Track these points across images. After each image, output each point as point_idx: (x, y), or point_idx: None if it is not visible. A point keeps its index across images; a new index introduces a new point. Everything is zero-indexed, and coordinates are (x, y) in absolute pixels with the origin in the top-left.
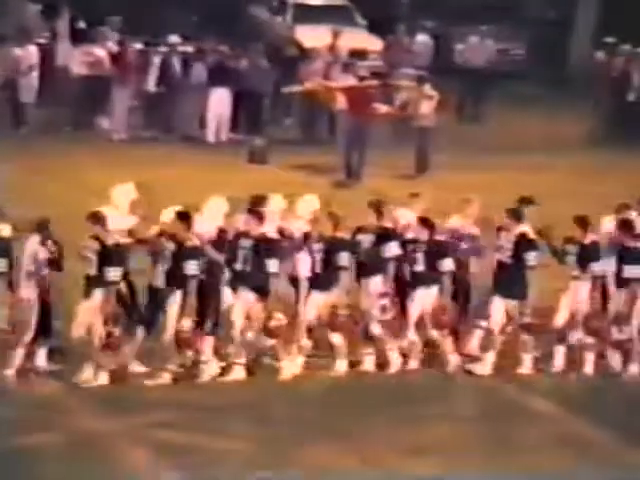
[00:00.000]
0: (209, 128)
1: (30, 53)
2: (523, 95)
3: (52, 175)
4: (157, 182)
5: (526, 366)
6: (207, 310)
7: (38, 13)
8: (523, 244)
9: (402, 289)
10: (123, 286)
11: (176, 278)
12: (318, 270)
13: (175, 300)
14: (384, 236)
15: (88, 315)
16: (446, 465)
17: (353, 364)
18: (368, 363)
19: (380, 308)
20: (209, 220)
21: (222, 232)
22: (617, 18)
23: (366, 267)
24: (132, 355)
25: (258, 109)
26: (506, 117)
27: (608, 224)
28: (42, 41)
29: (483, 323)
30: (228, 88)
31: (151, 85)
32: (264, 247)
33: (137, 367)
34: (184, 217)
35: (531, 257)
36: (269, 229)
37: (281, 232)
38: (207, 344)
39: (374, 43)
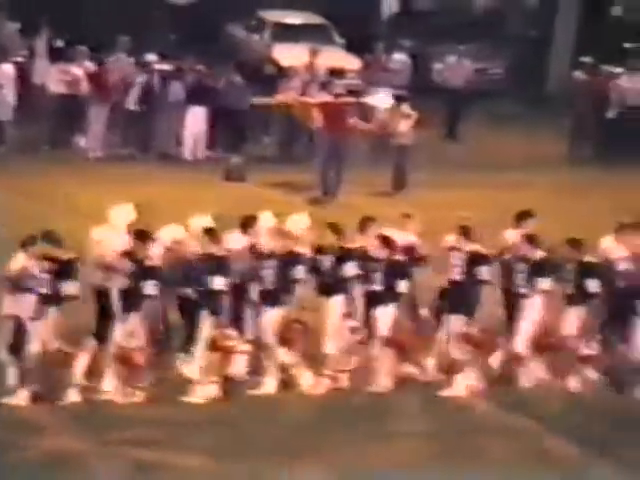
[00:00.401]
0: (186, 146)
1: (6, 71)
2: (502, 114)
3: (30, 194)
4: (134, 200)
5: (467, 376)
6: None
7: (17, 31)
8: (476, 260)
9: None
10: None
11: (133, 297)
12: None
13: (128, 319)
14: (344, 256)
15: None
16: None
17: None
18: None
19: (350, 329)
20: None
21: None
22: (594, 38)
23: (327, 287)
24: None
25: (236, 127)
26: (485, 135)
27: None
28: (20, 59)
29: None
30: (205, 106)
31: (132, 104)
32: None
33: (107, 385)
34: (143, 236)
35: (484, 271)
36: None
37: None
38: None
39: (352, 62)
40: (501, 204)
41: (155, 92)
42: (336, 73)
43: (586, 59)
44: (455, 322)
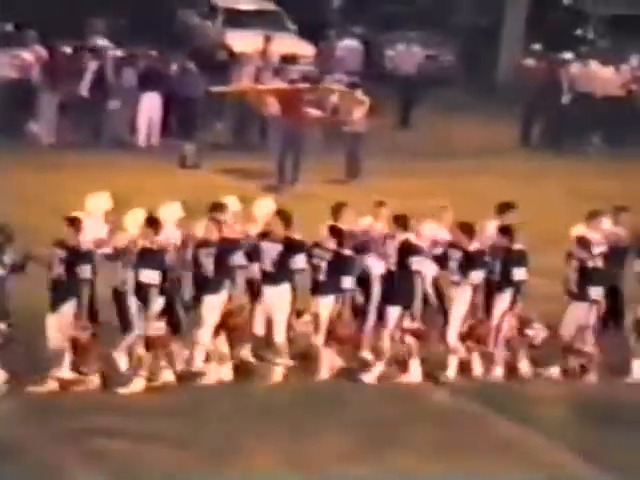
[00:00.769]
0: (140, 132)
1: None
2: (455, 101)
3: None
4: (89, 187)
5: (413, 373)
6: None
7: None
8: (406, 250)
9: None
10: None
11: (66, 284)
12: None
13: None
14: (292, 247)
15: None
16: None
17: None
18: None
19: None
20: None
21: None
22: (544, 25)
23: (273, 276)
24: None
25: (189, 114)
26: (438, 123)
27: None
28: None
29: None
30: (158, 92)
31: (84, 90)
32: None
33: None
34: (73, 222)
35: (415, 261)
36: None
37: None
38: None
39: (305, 48)
40: (455, 191)
41: (107, 78)
42: (289, 59)
43: (537, 46)
44: (392, 313)
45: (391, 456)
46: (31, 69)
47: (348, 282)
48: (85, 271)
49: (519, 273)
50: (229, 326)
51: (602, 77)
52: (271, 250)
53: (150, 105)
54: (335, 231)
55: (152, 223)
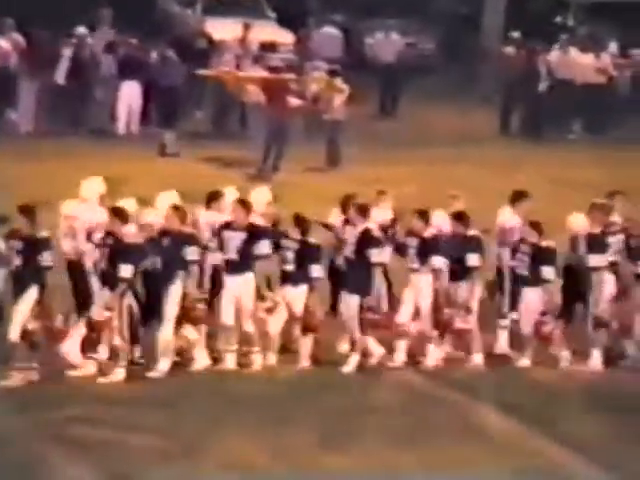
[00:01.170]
0: (119, 120)
1: None
2: (435, 89)
3: None
4: (68, 176)
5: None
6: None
7: None
8: (366, 240)
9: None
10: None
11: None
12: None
13: (28, 296)
14: (255, 234)
15: None
16: (359, 458)
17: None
18: (229, 360)
19: (265, 309)
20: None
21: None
22: (523, 13)
23: (237, 265)
24: None
25: (169, 102)
26: (418, 111)
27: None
28: None
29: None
30: (138, 81)
31: (60, 78)
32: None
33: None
34: (27, 211)
35: (374, 253)
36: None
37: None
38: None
39: (284, 36)
40: (435, 179)
41: (86, 66)
42: (269, 47)
43: (515, 34)
44: (351, 301)
45: (369, 444)
46: (9, 57)
47: (317, 271)
48: (46, 259)
49: (473, 258)
50: (190, 318)
51: (582, 64)
52: (235, 239)
53: (130, 93)
54: (299, 220)
55: (118, 213)
